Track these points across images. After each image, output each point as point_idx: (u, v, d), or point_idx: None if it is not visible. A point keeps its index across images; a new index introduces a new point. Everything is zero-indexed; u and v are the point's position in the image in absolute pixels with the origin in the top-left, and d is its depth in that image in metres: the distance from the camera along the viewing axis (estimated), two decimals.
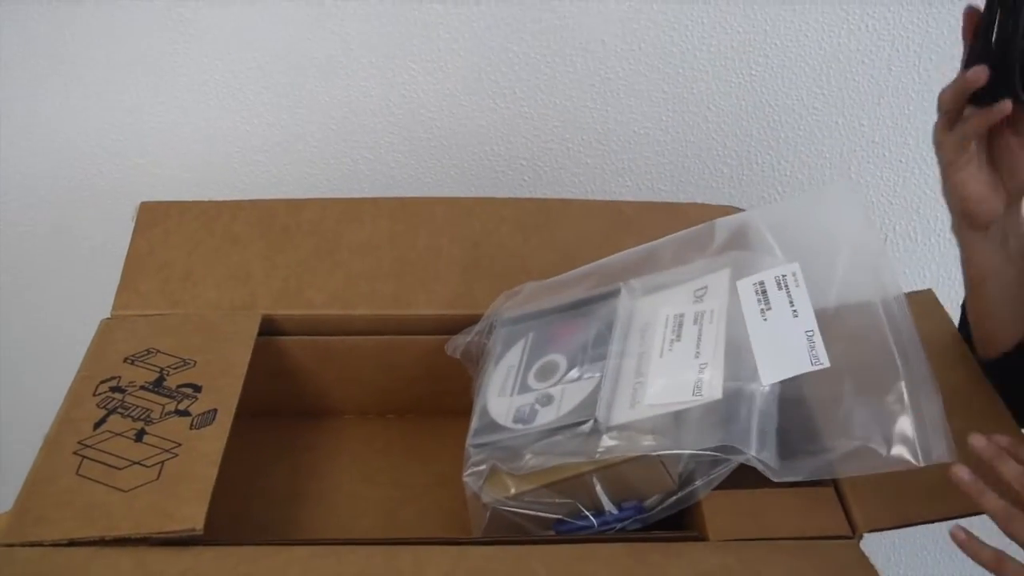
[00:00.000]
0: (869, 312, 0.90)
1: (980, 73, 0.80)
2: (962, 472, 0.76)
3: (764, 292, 0.90)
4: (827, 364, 0.84)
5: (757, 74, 1.29)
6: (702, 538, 0.84)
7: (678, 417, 0.86)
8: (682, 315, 0.94)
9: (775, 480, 0.83)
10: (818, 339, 0.85)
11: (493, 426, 0.92)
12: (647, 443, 0.85)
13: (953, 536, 0.77)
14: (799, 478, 0.83)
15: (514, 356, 0.98)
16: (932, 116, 1.28)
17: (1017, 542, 0.74)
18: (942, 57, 1.26)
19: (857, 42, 1.26)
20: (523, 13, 1.24)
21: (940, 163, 0.88)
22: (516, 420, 0.91)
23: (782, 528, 0.84)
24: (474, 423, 0.94)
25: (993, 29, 0.79)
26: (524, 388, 0.94)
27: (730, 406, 0.84)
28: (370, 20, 1.25)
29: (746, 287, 0.91)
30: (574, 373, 0.93)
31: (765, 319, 0.88)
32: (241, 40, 1.26)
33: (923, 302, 1.05)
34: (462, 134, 1.33)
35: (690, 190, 1.37)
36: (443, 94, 1.30)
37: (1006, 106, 0.80)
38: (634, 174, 1.36)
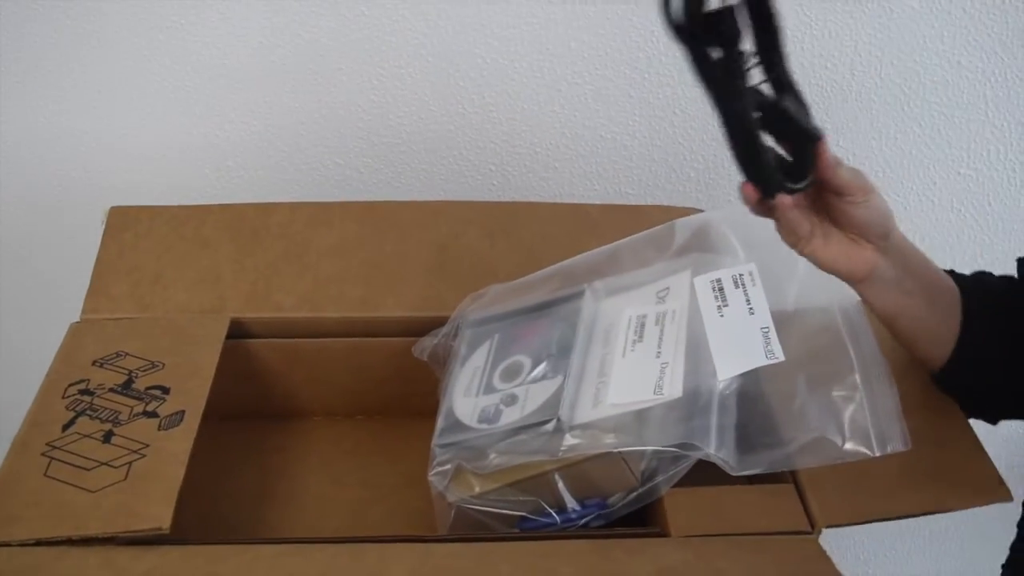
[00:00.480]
0: (825, 307, 0.92)
1: (749, 192, 0.82)
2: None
3: (721, 289, 0.91)
4: (782, 358, 0.85)
5: None
6: (664, 534, 0.85)
7: (640, 416, 0.87)
8: (644, 316, 0.95)
9: (733, 474, 0.84)
10: (773, 335, 0.87)
11: (458, 426, 0.93)
12: (609, 441, 0.86)
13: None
14: (757, 471, 0.85)
15: (480, 357, 0.99)
16: (894, 119, 1.31)
17: None
18: (903, 60, 1.28)
19: (820, 47, 1.28)
20: (490, 18, 1.25)
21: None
22: (481, 420, 0.92)
23: (742, 524, 0.85)
24: (440, 423, 0.95)
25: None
26: (489, 388, 0.95)
27: (690, 404, 0.86)
28: (338, 26, 1.25)
29: (703, 284, 0.92)
30: (538, 373, 0.94)
31: (722, 315, 0.90)
32: (211, 46, 1.27)
33: None
34: (430, 139, 1.34)
35: (657, 194, 1.38)
36: (411, 99, 1.31)
37: (784, 201, 0.81)
38: (601, 178, 1.37)
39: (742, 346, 0.87)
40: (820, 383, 0.88)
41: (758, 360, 0.86)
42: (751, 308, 0.89)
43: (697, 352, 0.89)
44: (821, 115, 1.31)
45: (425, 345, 1.03)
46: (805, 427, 0.86)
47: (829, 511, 0.86)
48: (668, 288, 0.97)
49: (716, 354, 0.87)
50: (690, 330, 0.91)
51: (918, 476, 0.88)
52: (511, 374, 0.96)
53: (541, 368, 0.95)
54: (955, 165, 1.36)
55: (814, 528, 0.85)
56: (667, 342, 0.91)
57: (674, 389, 0.87)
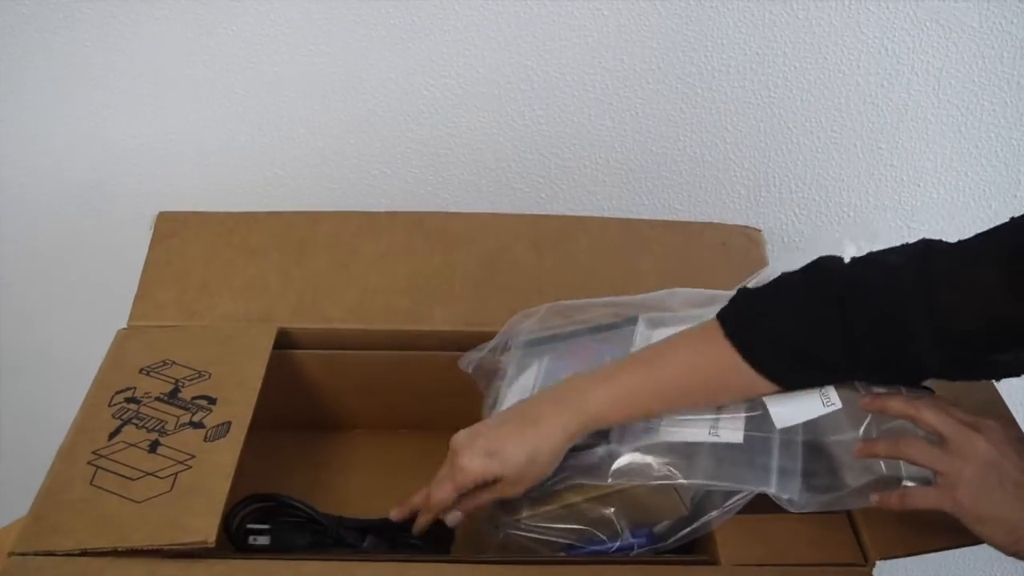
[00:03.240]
0: None
1: None
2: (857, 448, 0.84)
3: None
4: (839, 405, 0.84)
5: (776, 96, 1.29)
6: (713, 563, 0.84)
7: (692, 446, 0.86)
8: None
9: (793, 511, 0.83)
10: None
11: None
12: (660, 469, 0.85)
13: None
14: (816, 510, 0.83)
15: (528, 379, 0.98)
16: (951, 140, 1.29)
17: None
18: (961, 81, 1.26)
19: (877, 65, 1.26)
20: (543, 31, 1.24)
21: None
22: None
23: (794, 555, 0.84)
24: None
25: None
26: None
27: (749, 448, 0.84)
28: (389, 35, 1.25)
29: None
30: None
31: None
32: (260, 54, 1.27)
33: None
34: (480, 150, 1.33)
35: (707, 210, 1.36)
36: (461, 110, 1.30)
37: None
38: (651, 193, 1.36)
39: (798, 394, 0.86)
40: (881, 424, 0.86)
41: (815, 410, 0.85)
42: None
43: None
44: (876, 134, 1.30)
45: (472, 358, 1.02)
46: (867, 469, 0.85)
47: (882, 543, 0.84)
48: None
49: (770, 402, 0.86)
50: None
51: None
52: None
53: None
54: (1012, 188, 1.34)
55: (867, 561, 0.84)
56: None
57: (734, 435, 0.86)
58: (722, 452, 0.85)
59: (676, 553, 0.87)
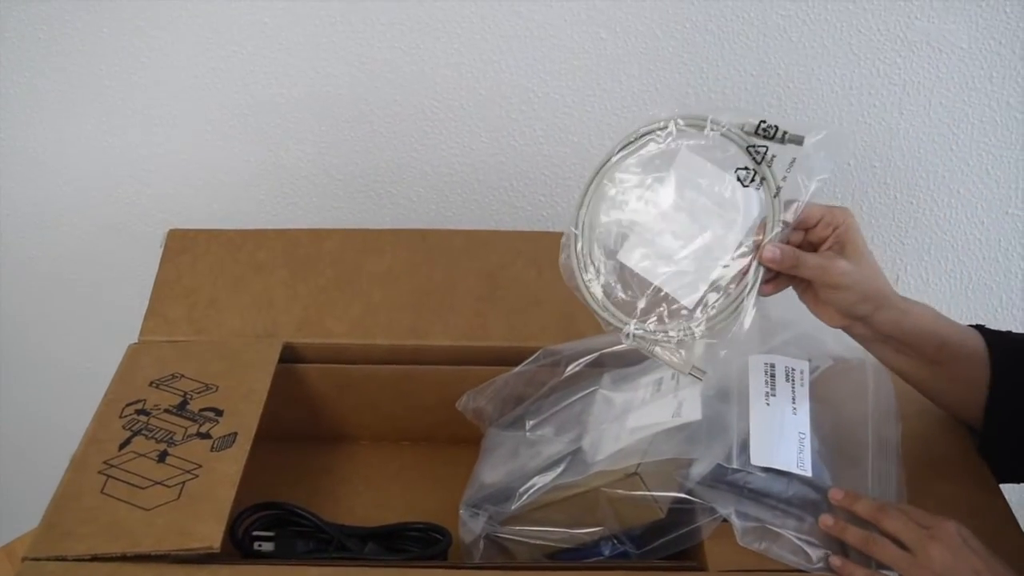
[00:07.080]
0: (859, 365, 0.94)
1: None
2: (826, 519, 0.85)
3: (773, 376, 0.93)
4: (809, 473, 0.87)
5: (771, 116, 1.31)
6: (701, 568, 0.86)
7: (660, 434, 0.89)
8: (661, 379, 0.97)
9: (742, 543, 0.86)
10: (807, 446, 0.89)
11: (484, 486, 0.97)
12: (632, 460, 0.88)
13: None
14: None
15: (510, 445, 1.02)
16: (942, 158, 1.31)
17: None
18: (952, 101, 1.28)
19: (869, 86, 1.28)
20: (543, 54, 1.27)
21: None
22: (508, 475, 0.96)
23: (781, 561, 0.86)
24: (466, 492, 0.99)
25: None
26: (515, 454, 0.98)
27: (710, 425, 0.88)
28: (394, 58, 1.28)
29: (757, 364, 0.94)
30: (562, 436, 0.98)
31: (768, 404, 0.91)
32: (269, 75, 1.30)
33: None
34: (482, 170, 1.36)
35: None
36: (463, 131, 1.33)
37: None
38: None
39: (779, 444, 0.89)
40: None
41: (789, 466, 0.87)
42: (795, 408, 0.91)
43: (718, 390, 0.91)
44: (869, 153, 1.32)
45: (467, 405, 1.05)
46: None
47: None
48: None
49: (754, 438, 0.88)
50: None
51: None
52: (537, 443, 0.99)
53: (564, 432, 0.98)
54: (1003, 205, 1.36)
55: None
56: (684, 397, 0.93)
57: (693, 413, 0.89)
58: (686, 432, 0.89)
59: (665, 559, 0.90)
